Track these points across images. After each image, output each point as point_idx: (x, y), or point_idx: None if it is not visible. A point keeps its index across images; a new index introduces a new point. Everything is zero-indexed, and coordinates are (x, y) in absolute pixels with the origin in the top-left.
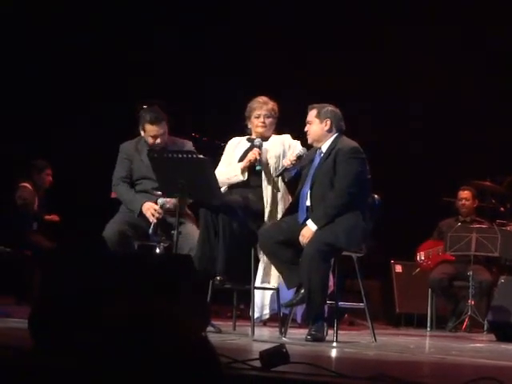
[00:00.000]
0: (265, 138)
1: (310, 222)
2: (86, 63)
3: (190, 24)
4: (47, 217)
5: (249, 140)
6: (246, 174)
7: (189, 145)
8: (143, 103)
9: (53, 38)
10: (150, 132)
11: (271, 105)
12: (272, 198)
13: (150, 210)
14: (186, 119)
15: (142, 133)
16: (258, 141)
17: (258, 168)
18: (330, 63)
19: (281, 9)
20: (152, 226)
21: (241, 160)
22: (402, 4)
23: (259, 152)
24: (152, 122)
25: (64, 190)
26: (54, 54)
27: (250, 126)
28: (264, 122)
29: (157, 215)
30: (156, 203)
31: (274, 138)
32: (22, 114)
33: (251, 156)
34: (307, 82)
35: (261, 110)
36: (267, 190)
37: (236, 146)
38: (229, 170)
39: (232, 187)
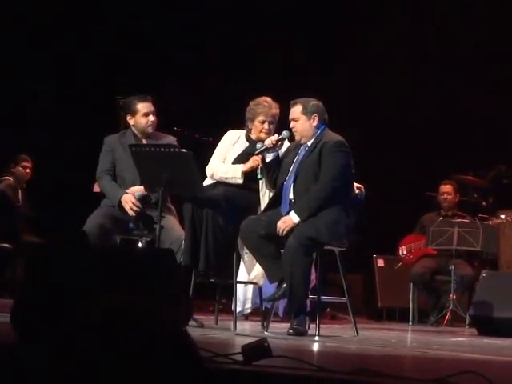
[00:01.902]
0: (263, 140)
1: (292, 214)
2: (82, 58)
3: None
4: None
5: (248, 139)
6: (244, 177)
7: (171, 139)
8: (122, 98)
9: (46, 32)
10: (143, 109)
11: (274, 109)
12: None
13: (128, 203)
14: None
15: (131, 121)
16: (259, 146)
17: (259, 177)
18: (320, 58)
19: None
20: (132, 220)
21: (237, 160)
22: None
23: (262, 159)
24: (142, 100)
25: (46, 184)
26: (45, 47)
27: (250, 127)
28: (268, 129)
29: (135, 208)
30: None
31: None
32: (8, 108)
33: (254, 163)
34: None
35: (266, 116)
36: (264, 199)
37: (235, 141)
38: (228, 169)
39: (220, 182)
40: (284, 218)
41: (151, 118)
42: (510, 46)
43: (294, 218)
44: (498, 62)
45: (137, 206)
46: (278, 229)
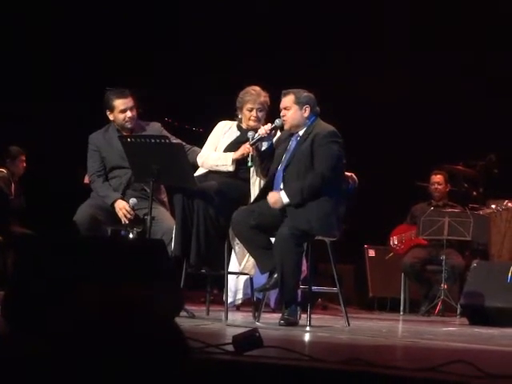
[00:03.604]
0: (256, 130)
1: (282, 193)
2: (73, 50)
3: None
4: None
5: (239, 128)
6: (235, 165)
7: (156, 126)
8: (112, 89)
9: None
10: (120, 106)
11: (263, 97)
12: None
13: (122, 210)
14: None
15: (111, 116)
16: (251, 134)
17: (249, 164)
18: (310, 48)
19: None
20: (124, 227)
21: (228, 148)
22: None
23: (257, 148)
24: (119, 96)
25: (36, 175)
26: (33, 38)
27: (240, 116)
28: (257, 116)
29: (129, 216)
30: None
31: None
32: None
33: (245, 150)
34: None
35: (254, 104)
36: (254, 187)
37: (226, 131)
38: (219, 156)
39: (211, 172)
40: (276, 197)
41: (129, 113)
42: (501, 41)
43: (283, 198)
44: (489, 55)
45: (131, 215)
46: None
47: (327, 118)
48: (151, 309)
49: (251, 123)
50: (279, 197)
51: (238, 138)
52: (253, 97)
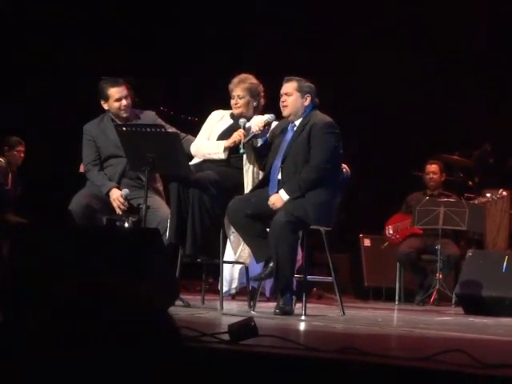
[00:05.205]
0: (247, 118)
1: (282, 192)
2: (68, 37)
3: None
4: None
5: (232, 117)
6: (227, 153)
7: (150, 114)
8: (106, 78)
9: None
10: (115, 95)
11: (248, 84)
12: (252, 182)
13: (116, 201)
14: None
15: (105, 106)
16: (242, 121)
17: (241, 151)
18: (299, 44)
19: None
20: (119, 217)
21: (221, 136)
22: None
23: (244, 134)
24: (113, 85)
25: (31, 164)
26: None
27: None
28: (237, 103)
29: (122, 207)
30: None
31: (256, 119)
32: None
33: (236, 137)
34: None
35: (233, 91)
36: (248, 175)
37: (219, 120)
38: (212, 144)
39: (206, 161)
40: (273, 198)
41: (124, 102)
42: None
43: (283, 196)
44: (477, 47)
45: (125, 206)
46: (271, 206)
47: (325, 107)
48: (146, 298)
49: (234, 110)
50: (279, 196)
51: (230, 126)
52: (233, 84)
